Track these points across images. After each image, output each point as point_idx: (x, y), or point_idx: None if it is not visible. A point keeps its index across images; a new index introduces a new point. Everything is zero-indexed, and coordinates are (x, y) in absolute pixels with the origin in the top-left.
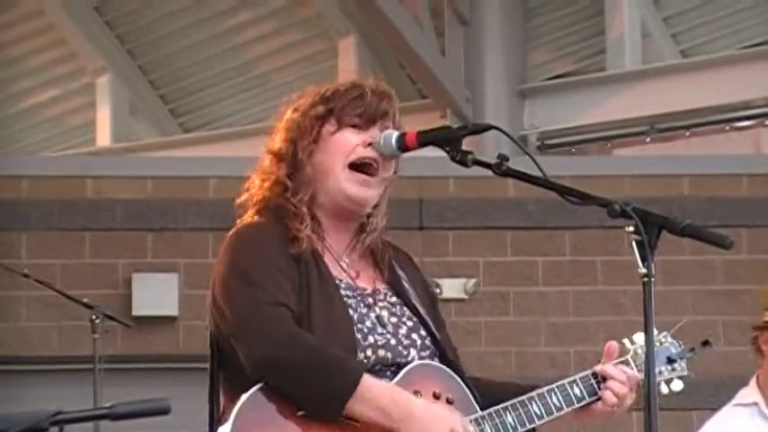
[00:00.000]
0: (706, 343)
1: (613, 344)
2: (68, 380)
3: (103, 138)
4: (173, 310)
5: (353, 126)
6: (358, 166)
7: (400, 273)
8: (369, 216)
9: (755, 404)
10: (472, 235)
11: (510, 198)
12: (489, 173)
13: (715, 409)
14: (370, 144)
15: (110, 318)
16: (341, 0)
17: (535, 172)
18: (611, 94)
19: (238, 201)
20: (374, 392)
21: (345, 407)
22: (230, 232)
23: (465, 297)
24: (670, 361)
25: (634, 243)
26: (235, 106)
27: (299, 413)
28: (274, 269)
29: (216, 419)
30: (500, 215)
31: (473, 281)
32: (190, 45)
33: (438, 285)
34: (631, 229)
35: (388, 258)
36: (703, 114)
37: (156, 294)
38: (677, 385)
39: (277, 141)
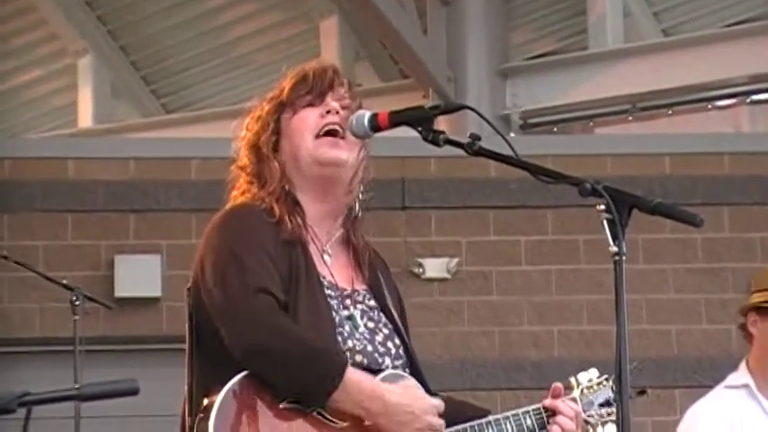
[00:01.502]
0: (642, 392)
1: (558, 385)
2: (50, 362)
3: (85, 119)
4: (155, 292)
5: (307, 106)
6: (324, 134)
7: (380, 277)
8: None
9: (746, 386)
10: (454, 214)
11: (492, 178)
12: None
13: (697, 387)
14: (328, 112)
15: (90, 299)
16: None
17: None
18: (593, 73)
19: (230, 196)
20: (358, 386)
21: (328, 398)
22: (220, 212)
23: (448, 277)
24: (607, 404)
25: (605, 221)
26: (217, 87)
27: (281, 405)
28: (265, 255)
29: (194, 401)
30: (482, 195)
31: (456, 260)
32: (171, 26)
33: (421, 265)
34: (602, 207)
35: (368, 258)
36: (685, 93)
37: (138, 276)
38: (610, 429)
39: (243, 140)
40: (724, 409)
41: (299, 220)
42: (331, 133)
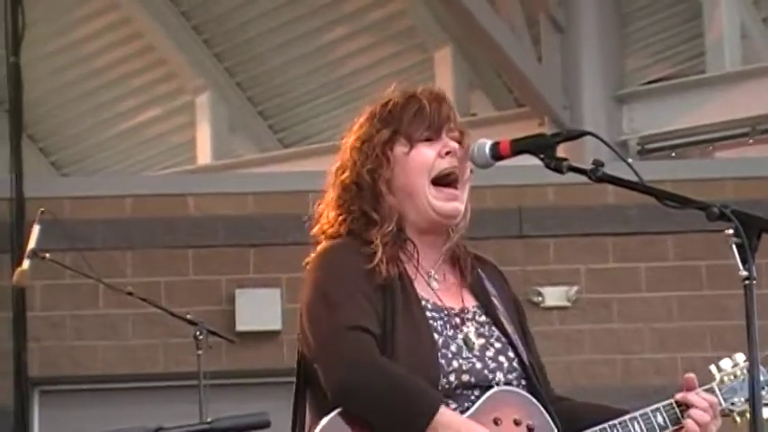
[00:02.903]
0: None
1: (691, 376)
2: (174, 396)
3: (204, 155)
4: (276, 325)
5: (424, 140)
6: (441, 180)
7: (489, 287)
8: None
9: None
10: (573, 242)
11: (610, 204)
12: (588, 180)
13: None
14: (447, 153)
15: (214, 333)
16: (435, 12)
17: (633, 178)
18: (711, 96)
19: (312, 232)
20: (450, 425)
21: None
22: (313, 253)
23: (568, 305)
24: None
25: (734, 246)
26: (332, 120)
27: None
28: (357, 291)
29: None
30: (600, 221)
31: (575, 288)
32: (287, 61)
33: (540, 294)
34: (731, 231)
35: (472, 267)
36: None
37: (259, 309)
38: (766, 413)
39: (347, 172)
40: None
41: (408, 249)
42: (449, 182)
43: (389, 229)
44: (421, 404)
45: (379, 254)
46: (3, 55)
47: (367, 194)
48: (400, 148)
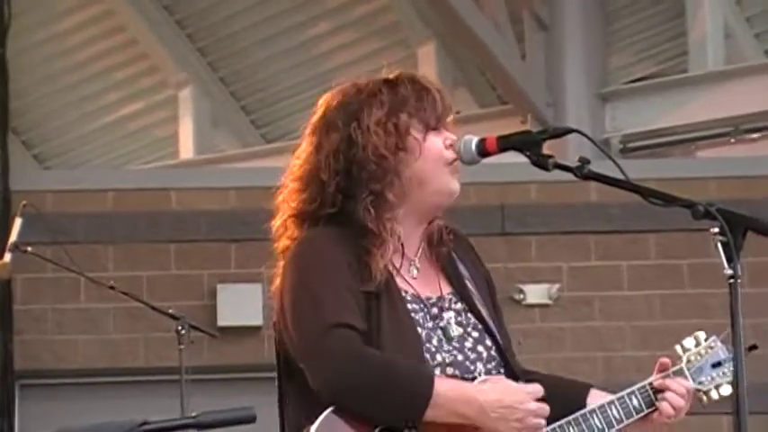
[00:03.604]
0: (752, 347)
1: (665, 360)
2: (155, 391)
3: (186, 150)
4: (257, 320)
5: (433, 129)
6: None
7: (462, 270)
8: None
9: None
10: (555, 240)
11: (592, 202)
12: (571, 177)
13: None
14: (450, 145)
15: (195, 328)
16: (419, 8)
17: (617, 175)
18: (694, 95)
19: (285, 209)
20: (447, 396)
21: (423, 416)
22: (295, 242)
23: (549, 303)
24: (718, 365)
25: (719, 244)
26: None
27: (377, 429)
28: (341, 285)
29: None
30: (583, 219)
31: (557, 286)
32: (270, 56)
33: (522, 291)
34: (716, 230)
35: (446, 248)
36: None
37: (240, 304)
38: (726, 390)
39: (360, 150)
40: None
41: (395, 243)
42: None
43: (396, 214)
44: (416, 384)
45: (382, 254)
46: None
47: (387, 174)
48: (416, 134)
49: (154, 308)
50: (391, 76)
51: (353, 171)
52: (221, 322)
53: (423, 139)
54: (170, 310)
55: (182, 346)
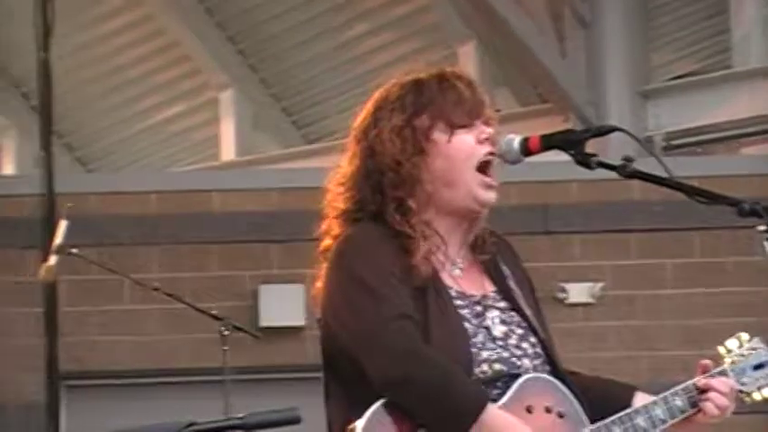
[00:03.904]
0: None
1: (706, 362)
2: (198, 392)
3: (228, 151)
4: (299, 321)
5: (462, 127)
6: (483, 168)
7: (505, 270)
8: None
9: None
10: (598, 238)
11: (635, 200)
12: (613, 175)
13: None
14: (486, 139)
15: (238, 329)
16: (459, 7)
17: (660, 173)
18: (737, 92)
19: (324, 209)
20: (496, 422)
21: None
22: (339, 239)
23: (592, 301)
24: (760, 367)
25: (766, 242)
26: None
27: (420, 430)
28: (392, 277)
29: (333, 429)
30: (626, 218)
31: (600, 285)
32: (311, 57)
33: (565, 290)
34: (763, 227)
35: (489, 250)
36: None
37: (282, 305)
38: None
39: (380, 156)
40: None
41: (437, 242)
42: (487, 169)
43: (424, 218)
44: (468, 402)
45: (420, 252)
46: (31, 50)
47: (405, 181)
48: (439, 135)
49: (198, 309)
50: (421, 76)
51: (376, 179)
52: (263, 323)
53: (448, 139)
54: (213, 312)
55: (225, 347)
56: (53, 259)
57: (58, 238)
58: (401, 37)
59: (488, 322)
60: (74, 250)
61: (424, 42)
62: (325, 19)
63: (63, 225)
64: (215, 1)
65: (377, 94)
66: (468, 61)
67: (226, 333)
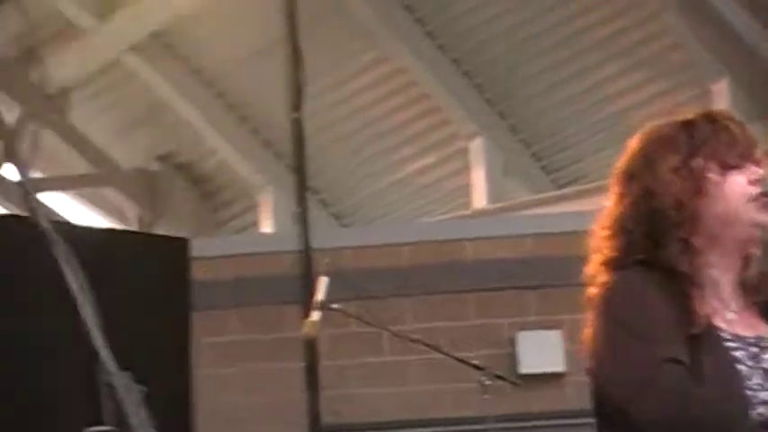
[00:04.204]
0: None
1: None
2: None
3: (479, 199)
4: (559, 367)
5: (734, 167)
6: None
7: None
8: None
9: None
10: None
11: None
12: None
13: None
14: (757, 180)
15: (499, 377)
16: (711, 43)
17: None
18: None
19: (591, 258)
20: None
21: None
22: (605, 287)
23: None
24: None
25: None
26: (606, 159)
27: None
28: (664, 322)
29: None
30: None
31: None
32: (559, 101)
33: None
34: None
35: (763, 289)
36: None
37: (541, 352)
38: None
39: (658, 198)
40: None
41: (711, 291)
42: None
43: (707, 259)
44: None
45: (701, 298)
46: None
47: (688, 222)
48: (712, 177)
49: (458, 359)
50: (689, 117)
51: (656, 220)
52: (523, 370)
53: (722, 180)
54: (474, 361)
55: (486, 396)
56: (315, 315)
57: (320, 294)
58: (651, 76)
59: (765, 364)
60: (334, 305)
61: (674, 82)
62: (572, 62)
63: (324, 281)
64: (462, 51)
65: (643, 135)
66: (721, 98)
67: (487, 383)
